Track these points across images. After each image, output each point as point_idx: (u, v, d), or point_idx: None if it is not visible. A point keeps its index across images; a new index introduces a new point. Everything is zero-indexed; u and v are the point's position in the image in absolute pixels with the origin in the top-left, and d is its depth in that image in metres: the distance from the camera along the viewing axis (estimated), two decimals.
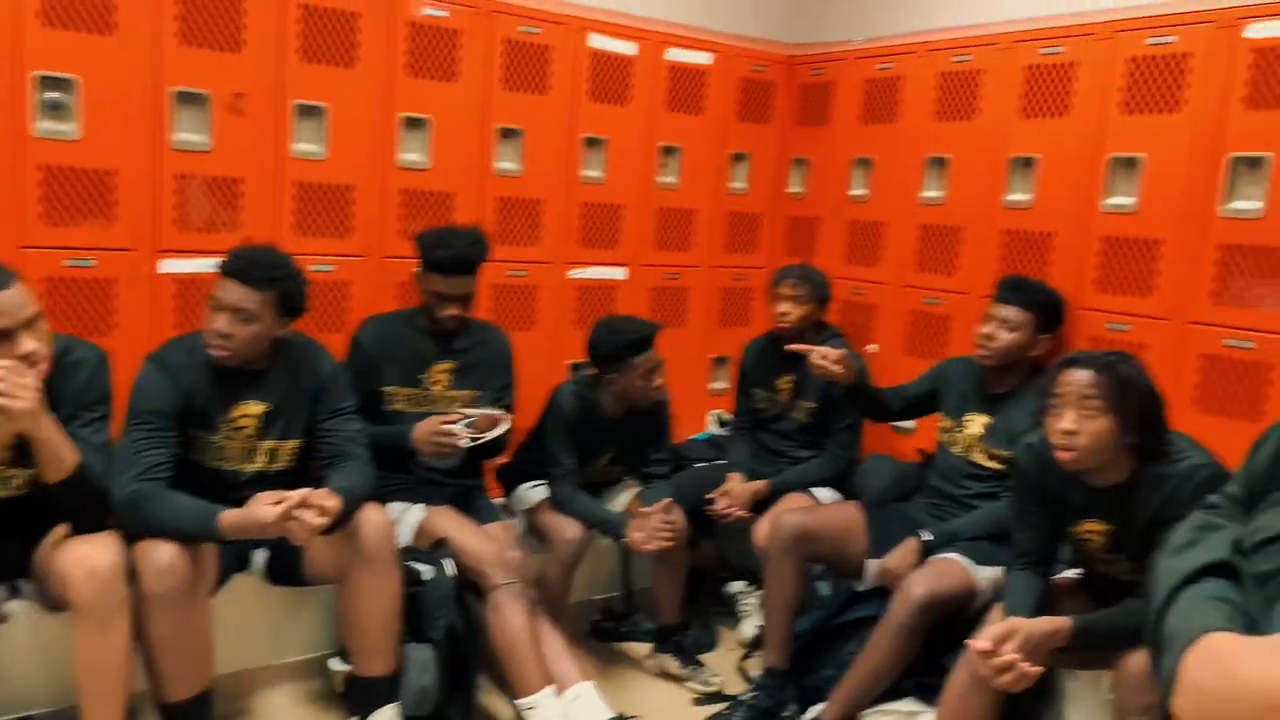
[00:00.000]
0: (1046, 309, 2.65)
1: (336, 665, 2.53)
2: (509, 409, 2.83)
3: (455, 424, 2.52)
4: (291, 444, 2.36)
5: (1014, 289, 2.66)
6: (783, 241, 3.81)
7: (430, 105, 2.96)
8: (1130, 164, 2.65)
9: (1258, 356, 2.36)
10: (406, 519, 2.62)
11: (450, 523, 2.60)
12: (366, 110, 2.88)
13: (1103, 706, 2.31)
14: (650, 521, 2.65)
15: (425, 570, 2.44)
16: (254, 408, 2.30)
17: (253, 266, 2.19)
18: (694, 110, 3.54)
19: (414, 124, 2.96)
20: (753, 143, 3.72)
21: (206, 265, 2.46)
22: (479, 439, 2.54)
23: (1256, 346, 2.37)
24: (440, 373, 2.74)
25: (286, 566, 2.39)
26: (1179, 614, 0.70)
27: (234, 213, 2.73)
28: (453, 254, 2.60)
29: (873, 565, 2.65)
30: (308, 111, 2.78)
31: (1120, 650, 1.98)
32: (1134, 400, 1.95)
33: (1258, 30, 2.37)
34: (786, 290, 3.07)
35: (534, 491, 2.92)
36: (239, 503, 2.06)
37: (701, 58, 3.52)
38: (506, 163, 3.15)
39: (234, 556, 2.36)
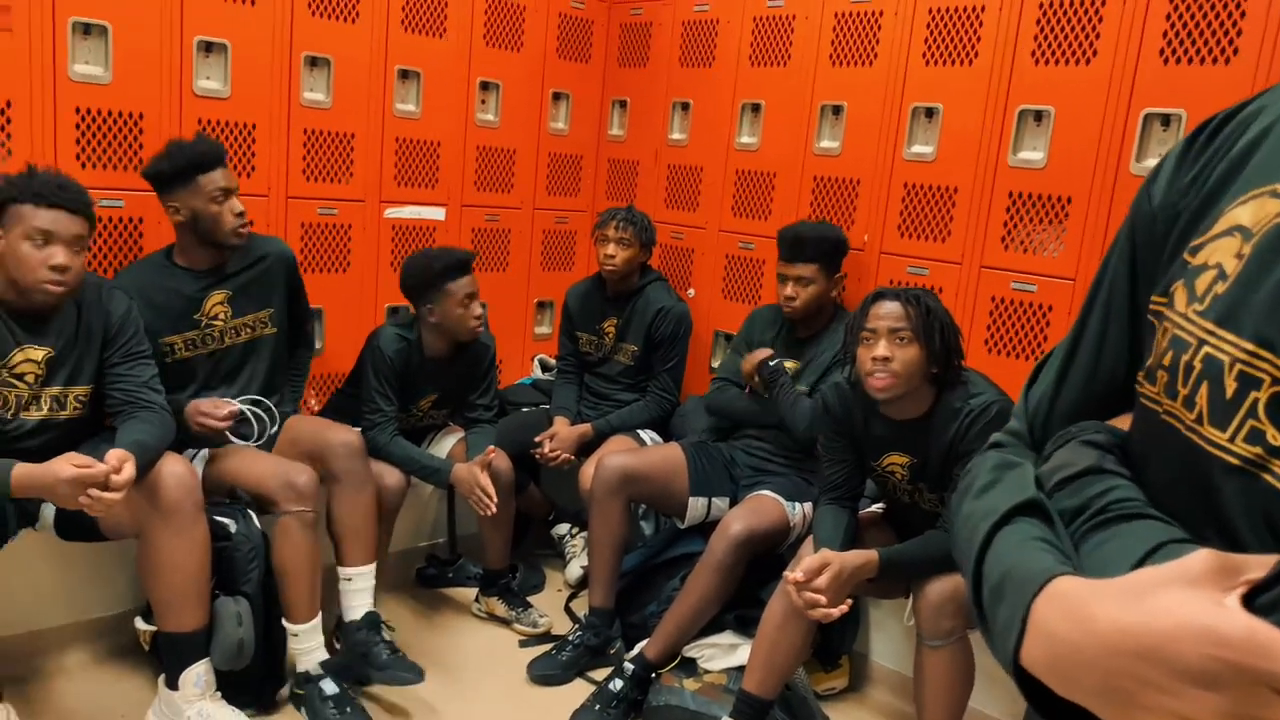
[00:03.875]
0: (831, 254, 2.72)
1: (141, 624, 2.39)
2: (308, 341, 2.79)
3: (223, 421, 2.42)
4: (79, 390, 2.19)
5: (796, 244, 2.70)
6: (604, 184, 3.80)
7: (230, 31, 2.74)
8: (930, 114, 2.78)
9: (1039, 299, 2.56)
10: (194, 463, 2.48)
11: (235, 457, 2.48)
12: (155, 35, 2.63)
13: (905, 632, 2.50)
14: (473, 480, 2.62)
15: (230, 523, 2.35)
16: (35, 353, 2.11)
17: (77, 193, 2.08)
18: (513, 46, 3.44)
19: (214, 48, 2.73)
20: (573, 82, 3.66)
21: None
22: (243, 440, 2.50)
23: (1038, 289, 2.56)
24: (216, 305, 2.54)
25: (78, 522, 2.21)
26: (1003, 557, 0.69)
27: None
28: (208, 145, 2.45)
29: (694, 503, 2.73)
30: None
31: (921, 579, 2.14)
32: (937, 330, 2.09)
33: None
34: (612, 233, 3.07)
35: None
36: (23, 455, 1.94)
37: None
38: (315, 93, 2.97)
39: (19, 512, 2.19)
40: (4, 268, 2.04)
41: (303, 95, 2.93)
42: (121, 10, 2.55)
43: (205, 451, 2.49)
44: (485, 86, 3.40)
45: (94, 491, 1.89)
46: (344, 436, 2.54)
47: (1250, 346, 0.61)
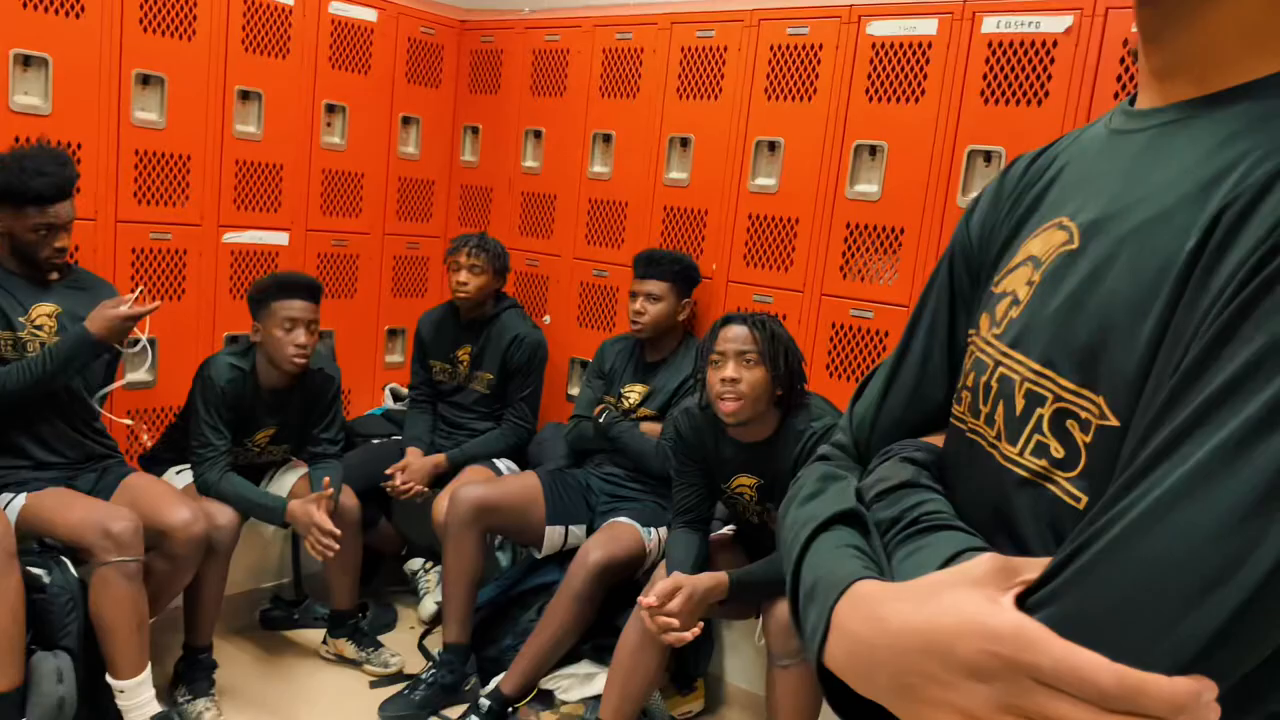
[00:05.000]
0: (682, 276, 2.83)
1: None
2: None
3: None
4: None
5: (650, 263, 2.82)
6: (457, 210, 3.76)
7: (51, 45, 2.57)
8: (773, 147, 2.88)
9: (876, 324, 2.68)
10: (9, 511, 2.30)
11: (52, 503, 2.30)
12: None
13: (756, 652, 2.54)
14: (309, 519, 2.50)
15: (44, 574, 2.18)
16: None
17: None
18: (360, 69, 3.37)
19: (33, 62, 2.56)
20: (424, 107, 3.61)
21: None
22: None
23: (875, 316, 2.68)
24: (42, 315, 2.38)
25: None
26: (816, 562, 0.72)
27: None
28: (49, 179, 2.28)
29: (550, 532, 2.72)
30: None
31: (770, 599, 2.19)
32: (782, 354, 2.17)
33: (877, 28, 2.65)
34: (464, 259, 3.03)
35: (180, 477, 2.67)
36: None
37: (366, 14, 3.34)
38: (147, 113, 2.82)
39: None
40: None
41: (134, 114, 2.78)
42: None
43: (22, 497, 2.30)
44: (331, 109, 3.31)
45: None
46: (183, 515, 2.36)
47: (1036, 366, 0.66)
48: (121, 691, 2.21)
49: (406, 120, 3.57)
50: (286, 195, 3.21)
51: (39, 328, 2.35)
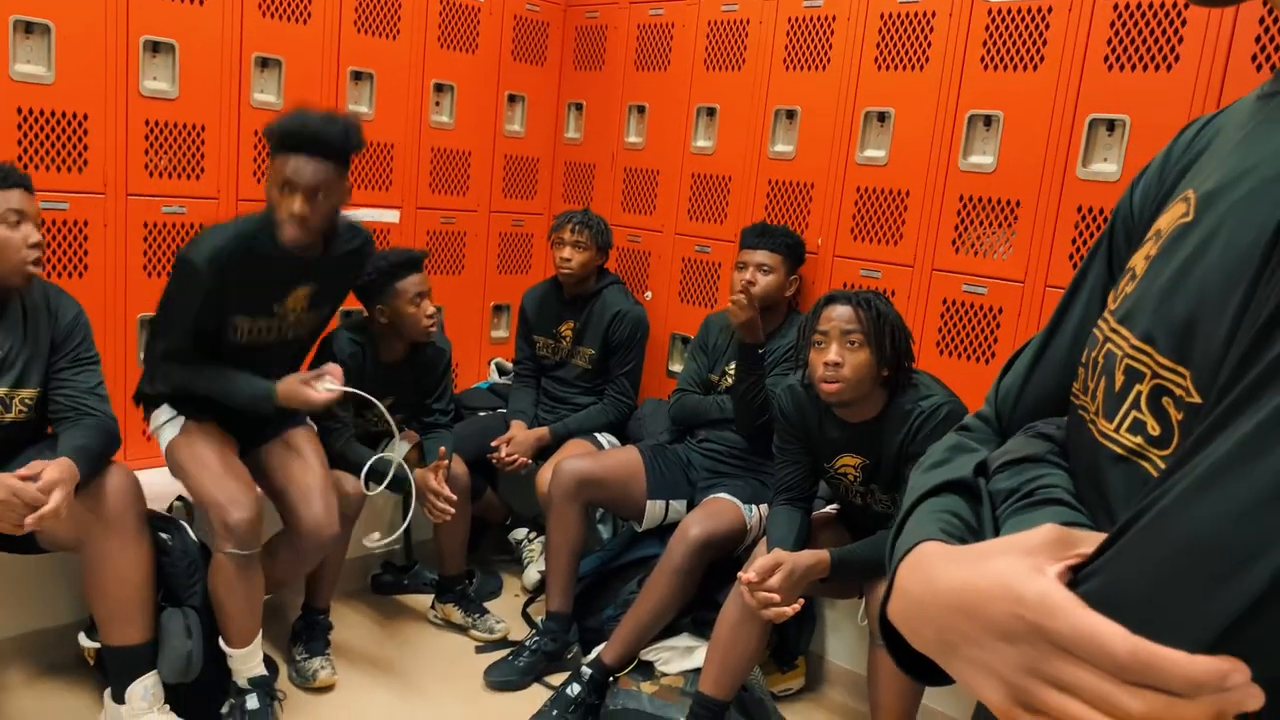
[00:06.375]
0: (793, 250, 2.79)
1: (85, 641, 2.34)
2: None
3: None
4: (26, 393, 2.13)
5: (761, 234, 2.79)
6: (561, 187, 3.79)
7: (175, 31, 2.69)
8: (883, 118, 2.80)
9: (990, 301, 2.60)
10: (163, 433, 2.42)
11: (192, 455, 2.34)
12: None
13: (859, 632, 2.52)
14: (430, 486, 2.58)
15: (167, 538, 2.30)
16: None
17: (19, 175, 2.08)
18: (467, 48, 3.42)
19: (158, 48, 2.69)
20: (529, 85, 3.65)
21: None
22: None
23: (988, 292, 2.60)
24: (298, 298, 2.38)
25: (11, 534, 2.16)
26: (912, 526, 0.74)
27: None
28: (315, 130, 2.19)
29: (651, 506, 2.74)
30: None
31: (873, 579, 2.16)
32: (888, 334, 2.11)
33: None
34: (568, 236, 3.06)
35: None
36: None
37: None
38: (266, 95, 2.93)
39: None
40: None
41: (253, 97, 2.89)
42: (64, 8, 2.51)
43: (178, 423, 2.39)
44: (439, 88, 3.37)
45: (30, 517, 1.84)
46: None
47: (1136, 342, 0.64)
48: (230, 655, 2.32)
49: (512, 98, 3.62)
50: (397, 174, 3.30)
51: (290, 309, 2.40)
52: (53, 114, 2.53)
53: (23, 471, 1.88)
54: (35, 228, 2.06)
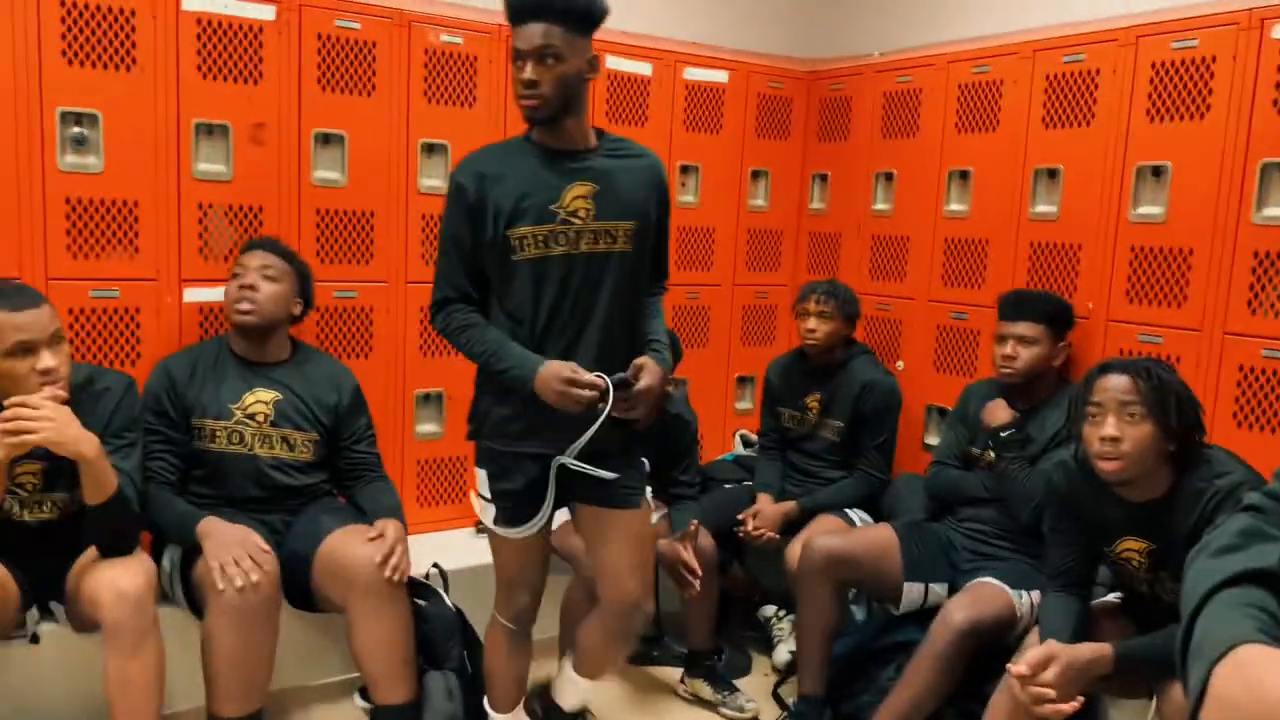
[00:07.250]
0: (1057, 317, 2.61)
1: (359, 701, 2.53)
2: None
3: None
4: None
5: (1019, 304, 2.62)
6: (805, 258, 3.79)
7: (344, 123, 2.83)
8: (1158, 172, 2.60)
9: None
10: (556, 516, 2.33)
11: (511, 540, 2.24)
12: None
13: None
14: (680, 558, 2.60)
15: (424, 604, 2.45)
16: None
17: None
18: (712, 129, 3.52)
19: (328, 139, 2.83)
20: (772, 159, 3.70)
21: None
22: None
23: None
24: (576, 198, 2.00)
25: (298, 589, 2.38)
26: (1211, 620, 0.68)
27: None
28: None
29: (909, 588, 2.60)
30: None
31: (1166, 678, 1.93)
32: (1173, 405, 1.92)
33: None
34: (813, 306, 3.03)
35: (556, 514, 2.87)
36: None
37: (718, 76, 3.50)
38: (432, 180, 3.00)
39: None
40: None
41: (421, 182, 2.96)
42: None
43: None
44: (685, 170, 3.49)
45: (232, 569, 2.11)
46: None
47: None
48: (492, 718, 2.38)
49: (755, 174, 3.67)
50: None
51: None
52: (231, 206, 2.70)
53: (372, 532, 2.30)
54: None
